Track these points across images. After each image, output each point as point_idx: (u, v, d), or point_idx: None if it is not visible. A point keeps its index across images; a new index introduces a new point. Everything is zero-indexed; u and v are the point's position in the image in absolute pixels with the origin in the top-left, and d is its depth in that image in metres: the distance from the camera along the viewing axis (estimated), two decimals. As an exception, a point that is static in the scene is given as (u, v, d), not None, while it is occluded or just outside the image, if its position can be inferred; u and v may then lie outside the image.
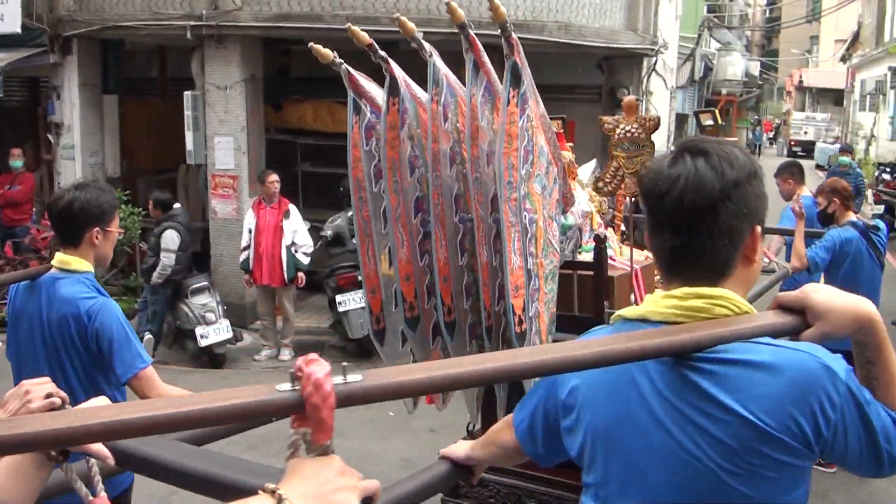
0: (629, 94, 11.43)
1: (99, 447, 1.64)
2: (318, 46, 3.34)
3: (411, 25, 3.33)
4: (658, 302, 1.77)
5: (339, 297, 9.31)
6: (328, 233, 9.83)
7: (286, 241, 9.30)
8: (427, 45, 3.43)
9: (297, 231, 9.46)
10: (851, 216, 6.70)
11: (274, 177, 9.38)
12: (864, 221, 6.74)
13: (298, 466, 1.39)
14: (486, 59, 3.33)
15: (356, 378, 1.45)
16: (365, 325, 8.53)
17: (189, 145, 10.74)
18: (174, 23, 10.43)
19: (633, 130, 4.05)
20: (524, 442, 2.10)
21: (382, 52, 3.44)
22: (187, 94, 10.68)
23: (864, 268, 6.46)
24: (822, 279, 6.57)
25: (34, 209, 11.90)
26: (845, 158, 14.23)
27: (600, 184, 4.12)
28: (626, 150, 4.06)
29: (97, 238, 3.48)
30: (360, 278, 8.93)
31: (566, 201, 3.49)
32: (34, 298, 3.45)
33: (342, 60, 3.44)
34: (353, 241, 7.65)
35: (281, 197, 9.48)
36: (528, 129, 3.14)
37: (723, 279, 1.76)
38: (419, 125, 3.37)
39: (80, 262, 3.46)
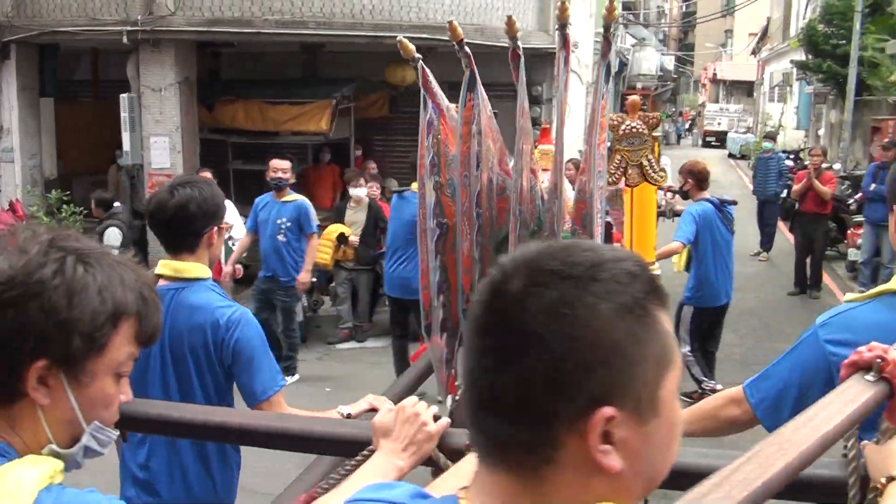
0: (542, 91, 12.24)
1: None
2: (404, 41, 3.27)
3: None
4: None
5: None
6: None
7: None
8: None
9: (232, 225, 10.00)
10: (706, 194, 7.62)
11: (206, 174, 9.93)
12: (718, 198, 7.68)
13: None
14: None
15: None
16: (300, 313, 9.27)
17: (126, 145, 11.13)
18: (110, 28, 10.82)
19: (636, 126, 4.38)
20: (766, 415, 2.47)
21: (467, 49, 3.38)
22: (123, 96, 11.06)
23: (720, 236, 7.49)
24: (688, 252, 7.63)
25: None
26: (769, 144, 15.22)
27: (608, 175, 4.29)
28: (630, 145, 4.39)
29: (214, 238, 3.12)
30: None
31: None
32: None
33: (420, 56, 3.42)
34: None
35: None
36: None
37: None
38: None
39: (200, 269, 3.07)
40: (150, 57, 10.92)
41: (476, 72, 3.47)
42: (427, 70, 3.39)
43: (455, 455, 1.81)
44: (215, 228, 3.09)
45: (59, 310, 1.39)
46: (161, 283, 2.94)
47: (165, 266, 3.05)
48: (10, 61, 11.69)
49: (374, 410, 2.55)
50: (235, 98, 12.26)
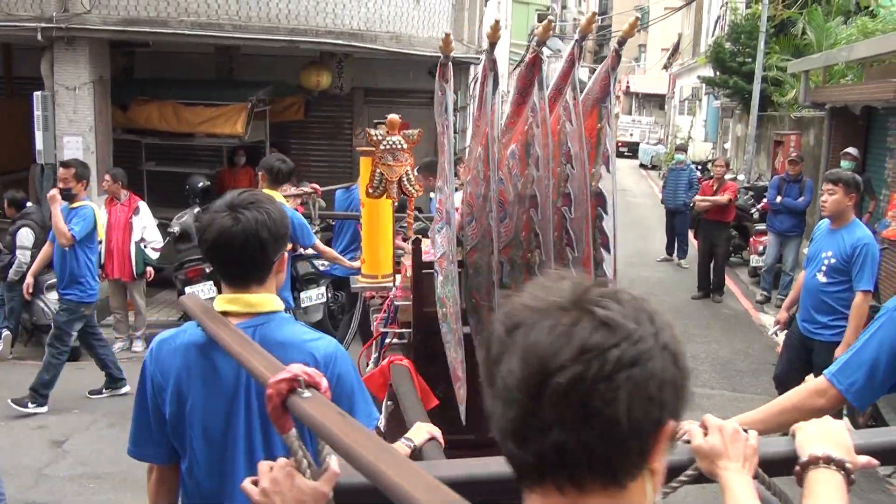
0: (456, 98, 12.46)
1: None
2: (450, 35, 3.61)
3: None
4: None
5: (188, 289, 9.73)
6: (175, 229, 10.35)
7: (136, 237, 9.79)
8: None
9: (146, 227, 9.95)
10: None
11: (106, 176, 9.91)
12: None
13: None
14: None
15: (306, 394, 1.87)
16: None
17: (39, 145, 10.93)
18: (24, 24, 10.65)
19: (397, 143, 4.44)
20: (858, 398, 2.92)
21: (493, 56, 3.65)
22: (37, 94, 10.88)
23: None
24: None
25: None
26: (680, 156, 15.67)
27: (370, 189, 4.51)
28: (392, 160, 4.43)
29: (284, 263, 2.75)
30: (208, 270, 9.60)
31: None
32: (216, 356, 2.52)
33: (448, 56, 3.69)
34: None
35: (131, 194, 10.01)
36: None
37: None
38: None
39: (275, 300, 2.67)
40: (64, 55, 10.78)
41: (498, 77, 3.71)
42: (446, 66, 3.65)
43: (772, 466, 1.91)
44: (283, 253, 2.68)
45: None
46: (233, 320, 2.52)
47: (235, 301, 2.58)
48: (-84, 56, 11.43)
49: (433, 439, 2.70)
50: (150, 99, 12.16)
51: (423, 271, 4.12)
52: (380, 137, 4.46)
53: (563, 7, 52.38)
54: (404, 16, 11.48)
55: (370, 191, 4.50)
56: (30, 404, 7.96)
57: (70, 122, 10.87)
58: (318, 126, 13.91)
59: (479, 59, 13.12)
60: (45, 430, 7.63)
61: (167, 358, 2.55)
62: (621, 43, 4.02)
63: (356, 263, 8.18)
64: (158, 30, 10.71)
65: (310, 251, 8.32)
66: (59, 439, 7.35)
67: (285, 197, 7.50)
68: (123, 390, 8.45)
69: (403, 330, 4.29)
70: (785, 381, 6.56)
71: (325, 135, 14.04)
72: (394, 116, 4.57)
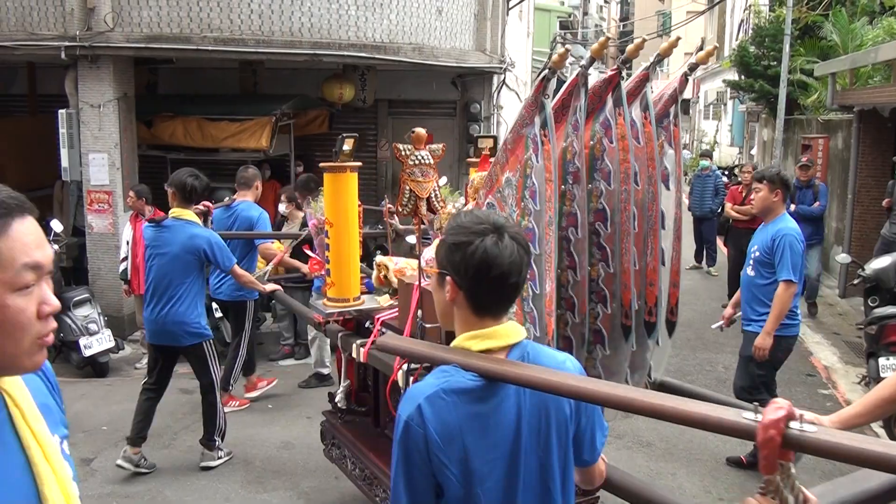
0: (479, 108, 12.42)
1: None
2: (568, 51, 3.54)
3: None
4: None
5: (214, 304, 9.65)
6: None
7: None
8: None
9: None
10: None
11: (130, 193, 9.91)
12: None
13: None
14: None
15: (811, 428, 1.73)
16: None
17: (64, 162, 11.03)
18: (49, 43, 10.74)
19: (423, 158, 4.25)
20: None
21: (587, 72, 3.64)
22: (62, 112, 10.96)
23: None
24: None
25: None
26: (705, 162, 15.53)
27: (399, 207, 4.28)
28: (417, 178, 4.22)
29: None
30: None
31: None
32: (494, 399, 2.36)
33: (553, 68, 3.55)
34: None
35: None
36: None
37: None
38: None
39: (519, 327, 2.55)
40: (88, 73, 10.86)
41: (623, 88, 3.70)
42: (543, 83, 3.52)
43: None
44: None
45: None
46: (498, 355, 2.37)
47: (493, 336, 2.38)
48: (-58, 75, 11.53)
49: None
50: (174, 114, 12.19)
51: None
52: (408, 152, 4.28)
53: (585, 13, 52.27)
54: (426, 27, 11.46)
55: (400, 208, 4.29)
56: None
57: (95, 139, 10.92)
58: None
59: (501, 68, 13.07)
60: (73, 448, 7.57)
61: (445, 414, 2.25)
62: (693, 68, 4.04)
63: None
64: (182, 46, 10.73)
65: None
66: (88, 457, 7.32)
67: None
68: None
69: None
70: (748, 389, 6.57)
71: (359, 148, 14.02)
72: (420, 130, 4.40)
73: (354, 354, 4.82)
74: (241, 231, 8.44)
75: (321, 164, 5.24)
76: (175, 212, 6.78)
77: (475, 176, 4.82)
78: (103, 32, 10.61)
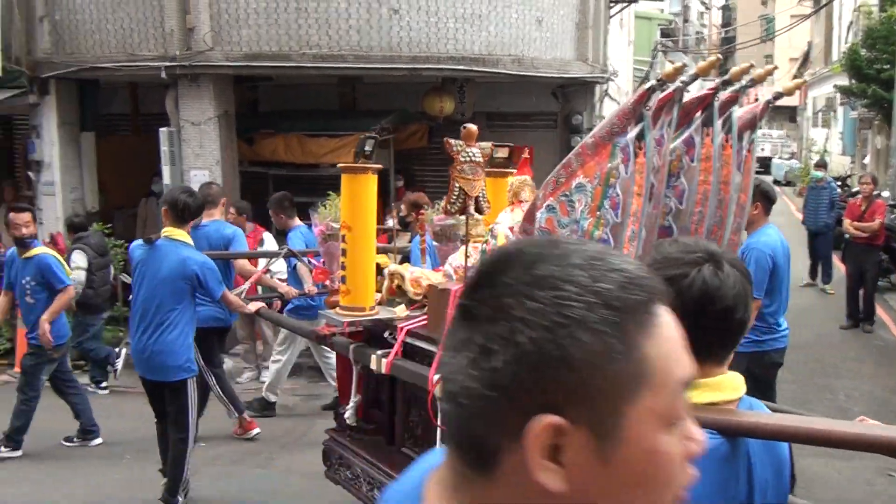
0: (582, 119, 12.11)
1: None
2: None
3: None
4: None
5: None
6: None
7: (260, 268, 9.78)
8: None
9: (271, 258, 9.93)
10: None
11: (231, 209, 9.85)
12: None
13: None
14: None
15: None
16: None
17: (166, 179, 11.16)
18: (149, 63, 10.88)
19: (473, 155, 4.18)
20: None
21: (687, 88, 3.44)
22: (163, 130, 11.09)
23: None
24: None
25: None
26: (819, 173, 14.84)
27: (447, 205, 4.21)
28: (466, 175, 4.15)
29: None
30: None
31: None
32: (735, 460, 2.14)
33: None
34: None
35: (256, 225, 10.01)
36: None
37: None
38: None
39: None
40: (188, 91, 10.96)
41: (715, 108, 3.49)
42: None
43: None
44: None
45: None
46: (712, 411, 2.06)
47: (721, 386, 2.09)
48: (49, 97, 11.79)
49: None
50: (274, 131, 12.26)
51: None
52: (459, 148, 4.15)
53: (686, 21, 51.40)
54: (526, 38, 11.20)
55: (448, 206, 4.17)
56: (2, 448, 7.72)
57: (196, 157, 10.99)
58: (442, 152, 13.68)
59: (604, 78, 12.73)
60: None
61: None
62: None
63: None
64: (281, 63, 10.73)
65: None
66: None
67: None
68: (94, 442, 8.09)
69: None
70: None
71: (448, 161, 13.81)
72: (471, 126, 4.28)
73: (375, 366, 4.49)
74: (216, 251, 7.79)
75: (339, 165, 4.96)
76: (167, 231, 6.32)
77: (513, 179, 4.67)
78: (203, 52, 10.68)
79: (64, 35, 11.61)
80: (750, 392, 2.13)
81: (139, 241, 6.50)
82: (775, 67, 3.90)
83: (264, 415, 8.70)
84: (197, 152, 11.00)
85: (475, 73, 11.14)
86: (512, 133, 12.92)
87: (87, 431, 8.13)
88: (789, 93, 3.77)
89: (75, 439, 8.15)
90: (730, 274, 2.00)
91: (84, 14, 11.39)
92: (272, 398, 8.90)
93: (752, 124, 3.73)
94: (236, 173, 11.54)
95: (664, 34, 34.25)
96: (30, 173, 12.34)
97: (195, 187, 10.84)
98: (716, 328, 1.98)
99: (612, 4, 14.31)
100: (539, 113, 12.92)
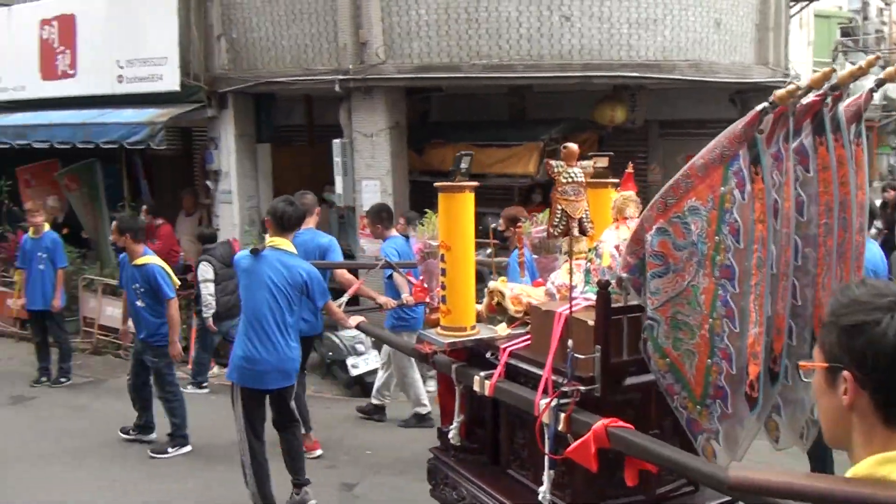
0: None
1: None
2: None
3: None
4: None
5: None
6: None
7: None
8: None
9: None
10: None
11: (400, 219, 9.87)
12: None
13: None
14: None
15: None
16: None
17: (338, 189, 11.44)
18: (323, 77, 11.15)
19: (576, 175, 4.06)
20: None
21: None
22: (336, 141, 11.35)
23: None
24: None
25: (181, 254, 12.74)
26: None
27: (550, 227, 4.09)
28: (569, 196, 4.02)
29: None
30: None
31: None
32: None
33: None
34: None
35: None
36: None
37: None
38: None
39: None
40: (361, 104, 11.15)
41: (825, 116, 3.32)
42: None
43: None
44: None
45: None
46: None
47: None
48: (227, 111, 12.29)
49: None
50: (444, 142, 12.30)
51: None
52: (560, 169, 4.01)
53: (865, 18, 48.97)
54: (703, 41, 10.78)
55: (551, 229, 4.04)
56: (169, 449, 7.97)
57: (368, 167, 11.12)
58: (611, 161, 13.31)
59: (785, 82, 12.11)
60: (333, 471, 7.56)
61: None
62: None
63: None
64: (451, 75, 10.73)
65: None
66: (350, 482, 7.24)
67: None
68: (148, 437, 8.29)
69: (590, 386, 3.78)
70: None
71: (619, 171, 13.43)
72: (572, 145, 4.16)
73: (478, 388, 4.39)
74: (313, 260, 7.68)
75: (435, 184, 4.85)
76: (272, 241, 6.43)
77: (617, 196, 4.51)
78: (375, 65, 10.82)
79: (241, 52, 12.01)
80: None
81: (245, 252, 6.59)
82: (877, 57, 3.59)
83: (421, 426, 8.58)
84: (368, 163, 11.14)
85: (649, 79, 10.80)
86: (687, 142, 12.48)
87: (148, 428, 8.37)
88: (891, 78, 3.40)
89: (132, 432, 8.40)
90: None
91: (260, 31, 11.75)
92: (423, 410, 8.72)
93: (857, 116, 3.48)
94: (406, 183, 11.62)
95: (844, 33, 32.64)
96: (208, 182, 12.83)
97: (366, 196, 11.07)
98: None
99: (791, 3, 13.63)
100: (715, 120, 12.36)
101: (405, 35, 10.76)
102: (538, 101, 13.03)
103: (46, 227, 10.47)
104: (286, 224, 6.42)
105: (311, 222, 8.19)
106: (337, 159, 11.36)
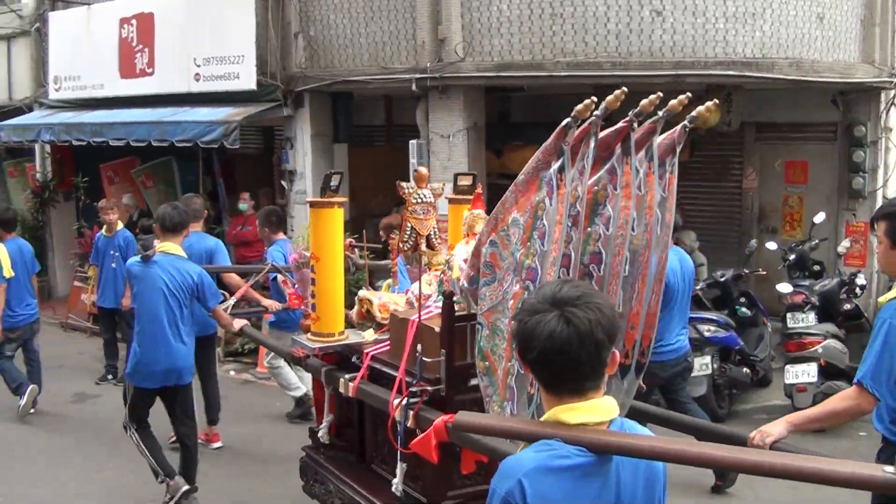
0: (865, 131, 10.79)
1: None
2: None
3: None
4: None
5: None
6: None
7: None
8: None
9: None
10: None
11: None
12: None
13: None
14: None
15: None
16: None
17: (411, 190, 11.06)
18: (400, 76, 10.82)
19: (424, 196, 4.53)
20: (884, 394, 3.94)
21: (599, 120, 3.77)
22: (413, 142, 11.03)
23: None
24: None
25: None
26: None
27: (400, 244, 4.60)
28: (418, 215, 4.53)
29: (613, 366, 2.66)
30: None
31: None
32: (599, 475, 2.42)
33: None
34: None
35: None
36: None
37: None
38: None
39: (615, 403, 2.62)
40: (438, 103, 10.81)
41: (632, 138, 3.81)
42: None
43: None
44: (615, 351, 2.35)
45: None
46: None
47: (591, 409, 2.30)
48: (303, 109, 12.12)
49: None
50: (524, 143, 11.93)
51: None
52: (410, 190, 4.52)
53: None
54: (805, 38, 10.05)
55: (401, 245, 4.59)
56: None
57: (444, 169, 10.71)
58: (705, 166, 12.65)
59: (892, 83, 11.29)
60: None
61: (549, 492, 2.16)
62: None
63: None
64: (533, 73, 10.22)
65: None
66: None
67: None
68: None
69: (437, 387, 4.31)
70: None
71: (711, 176, 12.77)
72: (422, 169, 4.71)
73: (342, 389, 4.92)
74: (205, 264, 7.86)
75: (307, 199, 5.23)
76: (162, 247, 6.66)
77: (467, 214, 5.00)
78: (454, 63, 10.43)
79: (318, 50, 11.78)
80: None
81: (136, 259, 6.75)
82: (687, 96, 3.99)
83: (305, 416, 8.83)
84: (445, 164, 10.74)
85: (746, 78, 10.11)
86: (785, 146, 11.77)
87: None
88: (701, 115, 4.05)
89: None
90: (571, 321, 2.19)
91: (337, 29, 11.50)
92: (299, 393, 8.96)
93: (671, 149, 4.01)
94: (484, 185, 11.16)
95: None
96: (283, 182, 12.61)
97: (442, 199, 10.65)
98: (564, 370, 2.26)
99: (899, -3, 12.75)
100: (816, 123, 11.62)
101: (485, 32, 10.32)
102: (625, 101, 12.38)
103: (120, 224, 10.64)
104: (169, 227, 6.67)
105: (198, 226, 8.47)
106: (413, 160, 11.01)
